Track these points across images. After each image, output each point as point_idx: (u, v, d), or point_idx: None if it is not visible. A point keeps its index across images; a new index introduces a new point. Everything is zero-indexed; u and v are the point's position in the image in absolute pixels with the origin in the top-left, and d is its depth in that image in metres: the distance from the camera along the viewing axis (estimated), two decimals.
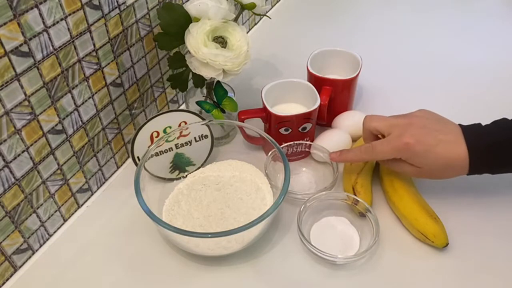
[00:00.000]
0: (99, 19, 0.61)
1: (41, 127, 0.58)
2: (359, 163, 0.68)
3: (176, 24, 0.66)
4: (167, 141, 0.68)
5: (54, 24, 0.54)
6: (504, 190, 0.69)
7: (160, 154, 0.68)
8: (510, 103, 0.84)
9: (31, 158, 0.58)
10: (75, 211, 0.68)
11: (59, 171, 0.63)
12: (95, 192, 0.71)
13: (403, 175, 0.67)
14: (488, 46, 1.00)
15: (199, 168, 0.72)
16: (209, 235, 0.55)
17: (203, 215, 0.64)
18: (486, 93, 0.87)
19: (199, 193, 0.68)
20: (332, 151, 0.70)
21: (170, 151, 0.69)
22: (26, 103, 0.54)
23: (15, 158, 0.55)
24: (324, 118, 0.75)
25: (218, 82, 0.74)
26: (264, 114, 0.72)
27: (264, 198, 0.66)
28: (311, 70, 0.76)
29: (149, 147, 0.66)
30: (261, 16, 1.04)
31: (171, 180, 0.70)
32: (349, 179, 0.67)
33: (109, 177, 0.73)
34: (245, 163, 0.72)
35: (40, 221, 0.62)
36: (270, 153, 0.67)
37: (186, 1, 0.78)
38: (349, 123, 0.76)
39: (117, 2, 0.63)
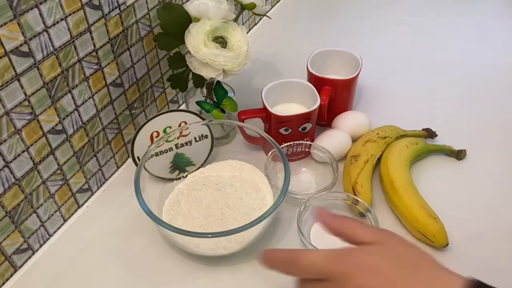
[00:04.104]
0: (99, 19, 0.61)
1: (41, 127, 0.58)
2: (359, 163, 0.68)
3: (176, 24, 0.66)
4: (167, 141, 0.68)
5: (54, 24, 0.54)
6: (504, 190, 0.69)
7: (160, 154, 0.68)
8: (510, 104, 0.84)
9: (31, 158, 0.58)
10: (75, 211, 0.68)
11: (59, 171, 0.63)
12: (95, 192, 0.71)
13: (403, 175, 0.67)
14: (489, 46, 1.00)
15: (199, 168, 0.72)
16: (209, 235, 0.55)
17: (203, 215, 0.64)
18: (486, 93, 0.87)
19: (199, 193, 0.68)
20: (332, 151, 0.70)
21: (170, 151, 0.69)
22: (26, 103, 0.54)
23: (15, 158, 0.55)
24: (324, 118, 0.75)
25: (218, 82, 0.74)
26: (264, 114, 0.72)
27: (264, 198, 0.66)
28: (311, 70, 0.76)
29: (149, 147, 0.66)
30: (261, 16, 1.04)
31: (171, 180, 0.70)
32: (349, 179, 0.67)
33: (109, 177, 0.73)
34: (245, 163, 0.72)
35: (40, 221, 0.62)
36: (270, 153, 0.67)
37: (186, 1, 0.78)
38: (349, 123, 0.76)
39: (117, 2, 0.63)
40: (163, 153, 0.68)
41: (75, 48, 0.59)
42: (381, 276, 0.40)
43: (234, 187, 0.68)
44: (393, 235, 0.45)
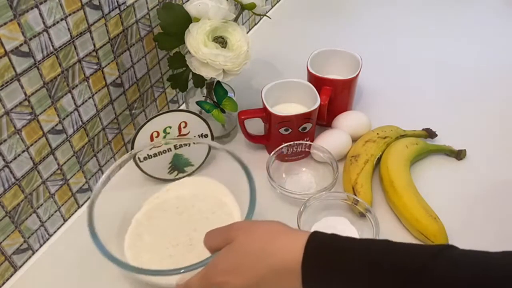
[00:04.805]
0: (99, 19, 0.61)
1: (41, 127, 0.58)
2: (359, 163, 0.68)
3: (176, 24, 0.66)
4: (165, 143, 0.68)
5: (54, 24, 0.54)
6: (504, 190, 0.69)
7: (159, 155, 0.68)
8: (510, 103, 0.84)
9: (31, 158, 0.58)
10: (75, 211, 0.68)
11: (59, 171, 0.63)
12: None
13: (403, 175, 0.67)
14: (489, 46, 1.00)
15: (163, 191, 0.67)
16: (182, 271, 0.50)
17: (171, 245, 0.59)
18: (486, 93, 0.87)
19: (161, 221, 0.63)
20: (332, 151, 0.70)
21: (168, 151, 0.69)
22: (26, 103, 0.54)
23: (15, 158, 0.55)
24: (324, 118, 0.75)
25: (218, 82, 0.74)
26: (264, 114, 0.72)
27: (231, 213, 0.62)
28: (311, 70, 0.76)
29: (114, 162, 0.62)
30: (261, 16, 1.04)
31: (169, 181, 0.69)
32: (349, 179, 0.67)
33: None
34: (204, 178, 0.67)
35: (40, 221, 0.62)
36: (273, 152, 0.67)
37: (186, 1, 0.78)
38: (349, 123, 0.76)
39: (117, 2, 0.63)
40: (161, 154, 0.68)
41: (75, 48, 0.59)
42: (237, 272, 0.46)
43: (197, 207, 0.64)
44: (238, 227, 0.49)
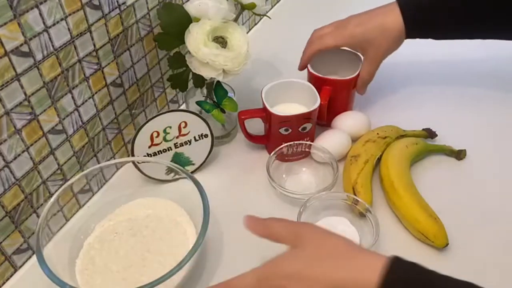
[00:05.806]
0: (99, 19, 0.61)
1: (41, 127, 0.58)
2: (359, 163, 0.68)
3: (176, 24, 0.66)
4: (165, 140, 0.68)
5: (54, 24, 0.54)
6: (504, 190, 0.69)
7: (158, 154, 0.68)
8: (510, 103, 0.84)
9: (31, 158, 0.58)
10: (77, 211, 0.68)
11: (59, 171, 0.63)
12: (96, 192, 0.71)
13: (403, 176, 0.67)
14: (489, 46, 0.99)
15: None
16: None
17: (123, 267, 0.59)
18: (486, 93, 0.87)
19: (113, 244, 0.62)
20: (332, 151, 0.70)
21: (169, 150, 0.69)
22: (26, 103, 0.54)
23: (15, 158, 0.55)
24: (324, 118, 0.75)
25: (218, 82, 0.74)
26: (264, 114, 0.72)
27: (185, 232, 0.62)
28: (311, 70, 0.76)
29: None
30: (261, 16, 1.04)
31: (167, 181, 0.68)
32: (349, 179, 0.67)
33: (109, 178, 0.73)
34: (158, 199, 0.66)
35: None
36: (273, 152, 0.67)
37: (186, 1, 0.78)
38: (349, 123, 0.76)
39: (117, 2, 0.63)
40: (161, 153, 0.68)
41: (75, 48, 0.59)
42: (306, 279, 0.44)
43: (151, 228, 0.63)
44: (308, 229, 0.49)
